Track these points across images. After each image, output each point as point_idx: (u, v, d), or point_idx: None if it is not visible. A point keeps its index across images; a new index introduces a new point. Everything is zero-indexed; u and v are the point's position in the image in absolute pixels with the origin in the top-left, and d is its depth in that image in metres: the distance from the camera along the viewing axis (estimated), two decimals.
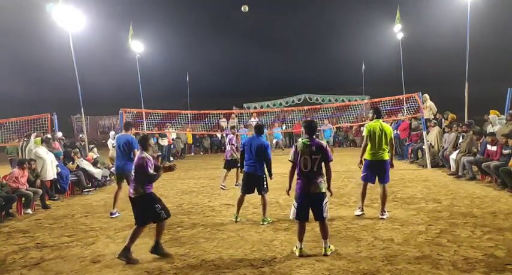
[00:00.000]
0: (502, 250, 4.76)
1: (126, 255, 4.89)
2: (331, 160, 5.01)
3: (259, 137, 6.57)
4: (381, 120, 6.63)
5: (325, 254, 4.83)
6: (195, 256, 4.98)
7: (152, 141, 5.58)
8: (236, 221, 6.53)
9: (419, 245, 5.04)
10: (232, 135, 10.39)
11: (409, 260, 4.57)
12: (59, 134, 12.66)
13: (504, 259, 4.48)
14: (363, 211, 6.64)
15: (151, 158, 5.18)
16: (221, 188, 9.79)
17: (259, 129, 6.74)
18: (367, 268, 4.39)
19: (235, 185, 9.80)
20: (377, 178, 6.59)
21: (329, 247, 4.92)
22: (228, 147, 10.26)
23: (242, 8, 14.22)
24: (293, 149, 5.10)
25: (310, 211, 4.97)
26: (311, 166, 4.87)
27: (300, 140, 5.31)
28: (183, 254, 5.09)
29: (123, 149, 7.26)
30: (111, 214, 7.30)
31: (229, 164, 10.07)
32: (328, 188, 5.01)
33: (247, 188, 6.57)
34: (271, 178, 6.63)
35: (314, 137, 5.07)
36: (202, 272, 4.49)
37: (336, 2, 32.60)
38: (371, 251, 4.92)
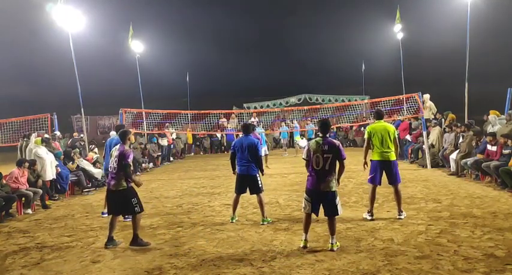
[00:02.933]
0: (502, 250, 4.76)
1: (114, 243, 5.46)
2: (345, 158, 5.17)
3: (248, 137, 6.57)
4: (382, 121, 6.63)
5: (332, 250, 4.93)
6: (195, 256, 4.98)
7: (132, 136, 5.85)
8: (232, 222, 6.49)
9: (419, 245, 5.04)
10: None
11: (409, 260, 4.57)
12: (57, 133, 12.61)
13: (504, 259, 4.48)
14: (372, 215, 6.41)
15: (131, 151, 5.63)
16: None
17: (246, 128, 6.73)
18: (367, 268, 4.39)
19: None
20: (387, 180, 6.49)
21: (335, 242, 5.03)
22: None
23: None
24: (306, 147, 5.28)
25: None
26: (323, 164, 5.02)
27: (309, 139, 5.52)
28: (183, 254, 5.09)
29: None
30: (103, 213, 7.27)
31: None
32: (338, 180, 5.16)
33: (241, 189, 6.56)
34: (262, 174, 6.68)
35: (327, 135, 5.21)
36: (202, 272, 4.49)
37: (336, 2, 32.63)
38: (371, 251, 4.91)
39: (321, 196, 5.05)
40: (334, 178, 5.09)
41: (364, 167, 6.63)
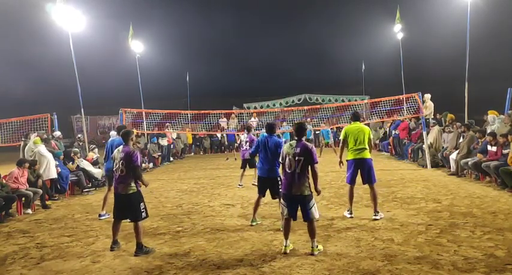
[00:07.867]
0: (502, 250, 4.76)
1: (119, 246, 5.38)
2: (316, 162, 4.97)
3: (272, 137, 6.27)
4: (358, 122, 6.84)
5: (312, 254, 4.84)
6: (195, 256, 4.99)
7: (134, 137, 5.66)
8: (252, 225, 6.24)
9: (419, 245, 5.04)
10: (253, 136, 9.98)
11: (409, 260, 4.57)
12: (58, 133, 12.60)
13: (504, 259, 4.48)
14: (351, 213, 6.60)
15: (137, 152, 5.38)
16: (238, 186, 9.63)
17: (271, 128, 6.40)
18: (367, 268, 4.39)
19: (252, 184, 9.42)
20: (361, 180, 6.62)
21: (316, 246, 4.93)
22: (244, 147, 9.84)
23: None
24: (281, 150, 5.29)
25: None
26: (294, 167, 4.93)
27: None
28: (183, 254, 5.10)
29: None
30: (100, 215, 7.22)
31: (245, 163, 9.78)
32: (316, 188, 4.99)
33: (262, 190, 6.30)
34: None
35: (302, 139, 5.12)
36: (202, 272, 4.49)
37: (336, 2, 32.62)
38: (371, 251, 4.92)
39: (293, 200, 4.94)
40: (308, 182, 4.95)
41: (340, 166, 6.99)
